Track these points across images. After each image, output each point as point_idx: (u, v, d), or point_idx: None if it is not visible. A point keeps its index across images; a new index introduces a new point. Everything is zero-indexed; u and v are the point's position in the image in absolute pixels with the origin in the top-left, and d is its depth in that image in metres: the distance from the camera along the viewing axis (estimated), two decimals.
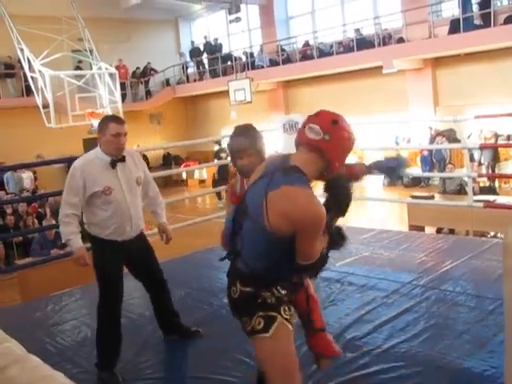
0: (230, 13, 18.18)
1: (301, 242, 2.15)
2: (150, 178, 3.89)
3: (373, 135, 13.67)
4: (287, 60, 17.65)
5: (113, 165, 3.52)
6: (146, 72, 21.08)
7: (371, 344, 3.67)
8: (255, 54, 18.90)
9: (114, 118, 3.59)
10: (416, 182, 14.60)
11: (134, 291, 4.68)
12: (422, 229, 9.21)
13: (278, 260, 2.24)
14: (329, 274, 5.12)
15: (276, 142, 13.63)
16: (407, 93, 15.42)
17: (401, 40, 14.65)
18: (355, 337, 3.80)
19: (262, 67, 18.05)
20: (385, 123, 14.56)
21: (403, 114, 14.95)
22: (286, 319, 2.32)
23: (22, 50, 13.55)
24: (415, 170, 14.65)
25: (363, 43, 15.24)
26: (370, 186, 14.38)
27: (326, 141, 2.19)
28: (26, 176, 16.04)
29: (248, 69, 17.92)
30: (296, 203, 2.08)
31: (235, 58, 19.01)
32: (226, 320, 4.36)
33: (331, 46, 16.27)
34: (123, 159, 3.57)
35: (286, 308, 2.35)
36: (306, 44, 17.64)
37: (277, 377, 2.31)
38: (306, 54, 17.24)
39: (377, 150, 13.08)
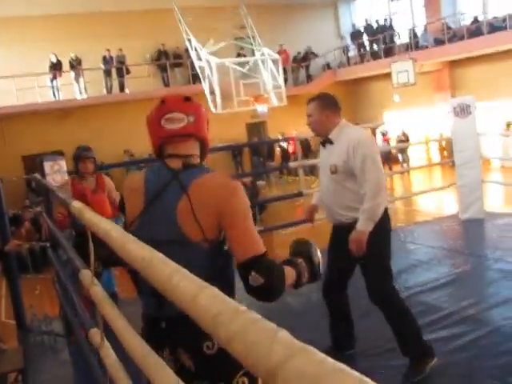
0: None
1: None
2: (363, 176, 3.24)
3: None
4: (453, 38, 16.73)
5: (322, 144, 3.52)
6: (307, 56, 21.17)
7: None
8: (419, 34, 18.19)
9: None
10: None
11: None
12: None
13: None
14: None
15: (442, 126, 13.04)
16: None
17: None
18: None
19: (427, 47, 17.34)
20: None
21: None
22: None
23: (189, 40, 14.17)
24: None
25: None
26: None
27: (192, 122, 1.98)
28: None
29: (411, 49, 17.33)
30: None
31: (398, 38, 18.43)
32: None
33: (504, 20, 15.09)
34: (330, 141, 3.43)
35: None
36: (475, 20, 16.58)
37: None
38: (474, 31, 16.20)
39: None
